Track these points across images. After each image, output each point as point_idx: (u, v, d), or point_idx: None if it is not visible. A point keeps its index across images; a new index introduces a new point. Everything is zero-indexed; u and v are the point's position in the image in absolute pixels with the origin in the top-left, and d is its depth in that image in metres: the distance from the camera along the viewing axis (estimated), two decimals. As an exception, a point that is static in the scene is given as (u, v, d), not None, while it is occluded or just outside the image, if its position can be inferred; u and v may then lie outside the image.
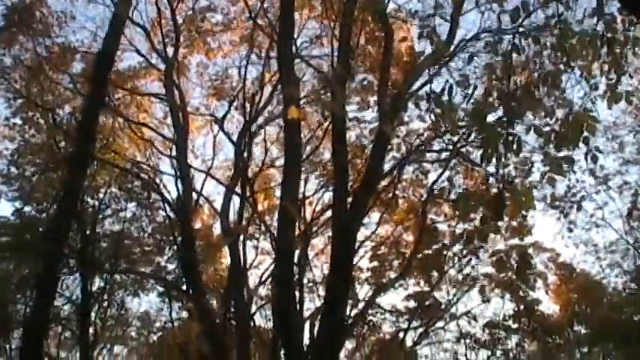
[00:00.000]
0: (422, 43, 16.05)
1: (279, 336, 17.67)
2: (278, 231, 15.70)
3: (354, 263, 23.69)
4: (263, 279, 24.60)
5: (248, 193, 22.30)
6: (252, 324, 22.99)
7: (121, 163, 24.31)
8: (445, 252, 25.73)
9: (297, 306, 21.56)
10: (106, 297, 28.64)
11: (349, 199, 14.92)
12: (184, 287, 22.73)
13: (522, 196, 5.77)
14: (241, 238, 23.59)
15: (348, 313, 22.08)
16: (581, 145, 6.62)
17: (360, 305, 23.12)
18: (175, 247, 23.63)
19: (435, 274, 26.37)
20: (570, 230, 22.13)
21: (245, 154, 21.67)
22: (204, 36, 22.79)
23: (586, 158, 6.58)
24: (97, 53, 11.21)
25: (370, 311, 27.08)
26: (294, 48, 18.16)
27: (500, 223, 20.74)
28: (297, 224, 22.01)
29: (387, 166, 18.66)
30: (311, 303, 25.24)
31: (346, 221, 14.38)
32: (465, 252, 26.05)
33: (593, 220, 24.18)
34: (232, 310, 21.81)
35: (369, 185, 15.25)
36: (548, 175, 14.93)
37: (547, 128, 6.77)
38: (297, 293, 22.39)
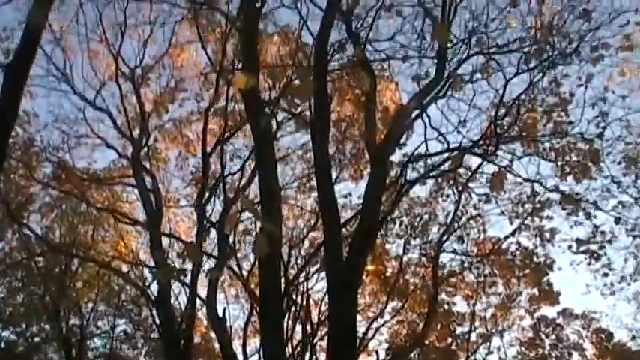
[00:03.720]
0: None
1: None
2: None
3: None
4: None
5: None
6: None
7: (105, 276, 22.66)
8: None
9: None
10: None
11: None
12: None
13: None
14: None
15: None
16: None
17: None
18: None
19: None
20: (606, 275, 18.51)
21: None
22: (177, 123, 21.34)
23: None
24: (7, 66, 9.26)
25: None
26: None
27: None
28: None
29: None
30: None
31: (343, 273, 12.17)
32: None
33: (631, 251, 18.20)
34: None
35: (367, 230, 13.04)
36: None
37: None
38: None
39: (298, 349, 21.29)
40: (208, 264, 20.01)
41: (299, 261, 21.26)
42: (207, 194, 19.91)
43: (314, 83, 12.35)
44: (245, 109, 14.16)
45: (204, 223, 19.00)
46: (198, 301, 19.11)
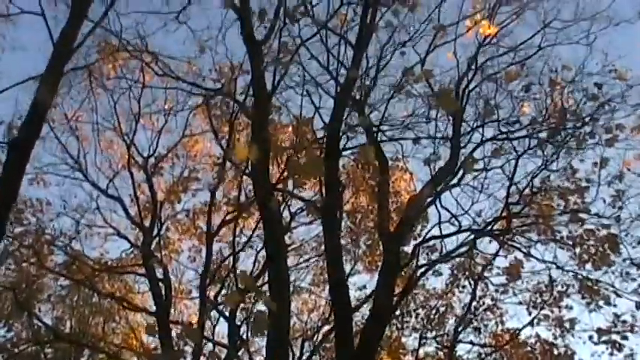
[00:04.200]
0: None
1: None
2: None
3: None
4: None
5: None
6: None
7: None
8: None
9: None
10: None
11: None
12: None
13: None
14: None
15: None
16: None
17: None
18: None
19: None
20: None
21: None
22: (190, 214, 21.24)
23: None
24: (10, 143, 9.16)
25: None
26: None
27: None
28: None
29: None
30: None
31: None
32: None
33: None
34: None
35: (379, 316, 12.69)
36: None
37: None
38: None
39: None
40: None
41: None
42: (218, 286, 19.72)
43: (325, 162, 12.29)
44: (253, 192, 14.03)
45: (208, 305, 18.66)
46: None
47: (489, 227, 14.55)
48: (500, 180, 14.92)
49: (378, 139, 14.93)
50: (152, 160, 19.91)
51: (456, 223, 14.35)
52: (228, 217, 19.48)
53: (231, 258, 19.24)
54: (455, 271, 18.95)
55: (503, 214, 14.41)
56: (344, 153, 15.18)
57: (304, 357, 20.20)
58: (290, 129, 19.07)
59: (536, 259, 15.05)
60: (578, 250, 15.66)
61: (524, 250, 15.06)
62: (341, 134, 13.69)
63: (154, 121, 20.29)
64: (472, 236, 14.52)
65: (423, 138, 14.88)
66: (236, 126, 18.48)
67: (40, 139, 17.47)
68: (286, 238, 18.48)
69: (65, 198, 20.30)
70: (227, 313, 18.83)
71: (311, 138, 16.99)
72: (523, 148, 14.03)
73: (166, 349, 16.67)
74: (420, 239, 15.57)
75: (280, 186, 15.39)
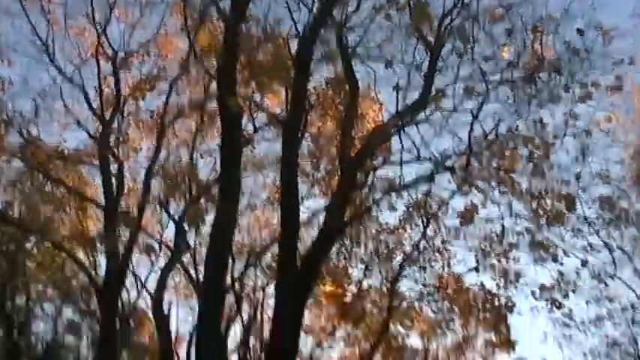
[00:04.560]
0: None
1: None
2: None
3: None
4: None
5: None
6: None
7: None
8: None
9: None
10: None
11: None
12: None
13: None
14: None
15: None
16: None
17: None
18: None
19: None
20: (567, 325, 17.94)
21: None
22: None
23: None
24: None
25: None
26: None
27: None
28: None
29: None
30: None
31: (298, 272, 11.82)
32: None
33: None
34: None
35: (327, 235, 12.70)
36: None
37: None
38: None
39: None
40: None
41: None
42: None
43: (295, 77, 12.03)
44: (217, 90, 13.61)
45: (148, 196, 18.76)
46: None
47: (448, 163, 14.41)
48: (470, 122, 14.73)
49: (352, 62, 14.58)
50: (122, 53, 19.45)
51: (417, 153, 14.20)
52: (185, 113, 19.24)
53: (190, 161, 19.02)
54: (410, 209, 18.80)
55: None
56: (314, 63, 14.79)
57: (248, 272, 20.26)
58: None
59: (493, 201, 14.99)
60: (534, 204, 15.61)
61: (482, 189, 14.97)
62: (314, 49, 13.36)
63: (129, 15, 19.73)
64: (431, 170, 14.38)
65: (396, 62, 14.49)
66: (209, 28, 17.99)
67: (9, 16, 17.27)
68: (247, 151, 18.32)
69: (29, 80, 19.75)
70: (176, 218, 18.74)
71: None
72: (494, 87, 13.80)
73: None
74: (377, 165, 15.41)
75: (244, 90, 14.93)
